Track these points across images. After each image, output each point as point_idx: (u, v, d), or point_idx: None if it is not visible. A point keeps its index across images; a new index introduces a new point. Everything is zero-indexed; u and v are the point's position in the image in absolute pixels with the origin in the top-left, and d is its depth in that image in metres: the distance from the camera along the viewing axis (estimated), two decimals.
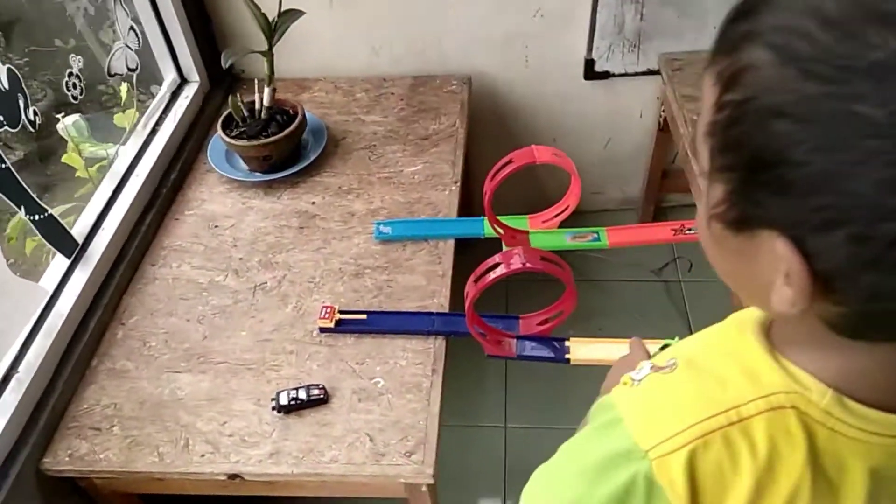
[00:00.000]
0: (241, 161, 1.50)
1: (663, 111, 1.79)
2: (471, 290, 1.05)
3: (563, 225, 1.34)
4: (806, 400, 0.46)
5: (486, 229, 1.34)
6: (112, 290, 1.25)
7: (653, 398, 0.52)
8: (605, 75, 1.80)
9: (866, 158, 0.35)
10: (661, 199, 2.11)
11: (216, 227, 1.40)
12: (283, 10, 1.36)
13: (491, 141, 1.92)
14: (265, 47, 1.39)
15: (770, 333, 0.50)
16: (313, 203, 1.43)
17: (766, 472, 0.46)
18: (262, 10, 1.34)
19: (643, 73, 1.80)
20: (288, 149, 1.46)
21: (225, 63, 1.31)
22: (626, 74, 1.80)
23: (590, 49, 1.74)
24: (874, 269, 0.37)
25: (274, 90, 1.44)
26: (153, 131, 1.51)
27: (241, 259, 1.33)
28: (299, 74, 1.75)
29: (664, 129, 1.86)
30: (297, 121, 1.44)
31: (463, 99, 1.67)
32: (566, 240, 1.32)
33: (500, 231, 1.30)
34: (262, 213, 1.42)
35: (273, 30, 1.36)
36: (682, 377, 0.51)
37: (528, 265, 0.99)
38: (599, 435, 0.52)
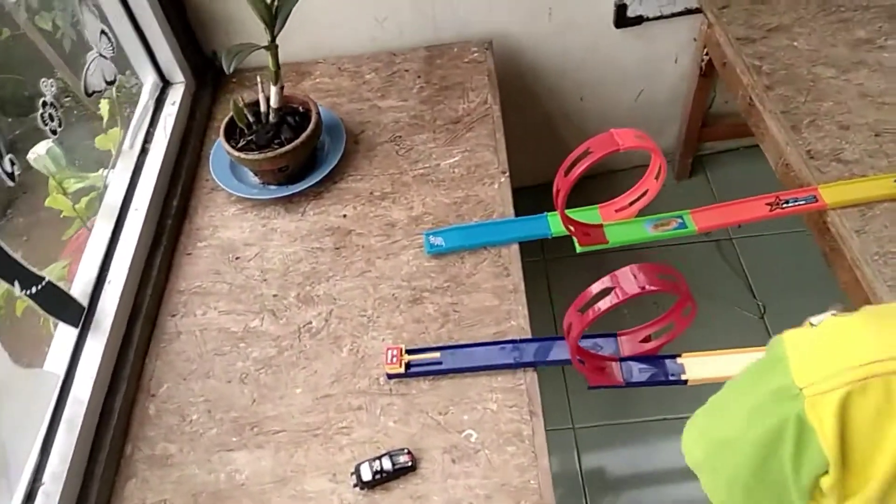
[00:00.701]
0: (250, 174, 1.29)
1: (707, 54, 1.60)
2: (575, 321, 0.88)
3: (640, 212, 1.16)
4: None
5: (554, 227, 1.16)
6: (132, 356, 1.05)
7: (822, 337, 0.49)
8: (639, 20, 1.59)
9: None
10: (698, 147, 1.94)
11: (237, 258, 1.20)
12: None
13: (515, 110, 1.72)
14: (264, 37, 1.16)
15: None
16: (344, 216, 1.24)
17: None
18: None
19: (680, 14, 1.60)
20: (305, 155, 1.25)
21: (228, 67, 1.08)
22: (661, 17, 1.60)
23: None
24: None
25: (282, 88, 1.22)
26: (143, 150, 1.29)
27: (275, 296, 1.14)
28: (294, 57, 1.51)
29: (706, 74, 1.67)
30: (312, 121, 1.23)
31: (489, 68, 1.46)
32: (647, 230, 1.14)
33: (571, 228, 1.12)
34: (288, 235, 1.22)
35: (274, 15, 1.14)
36: (862, 320, 0.48)
37: (647, 288, 0.82)
38: (761, 372, 0.52)
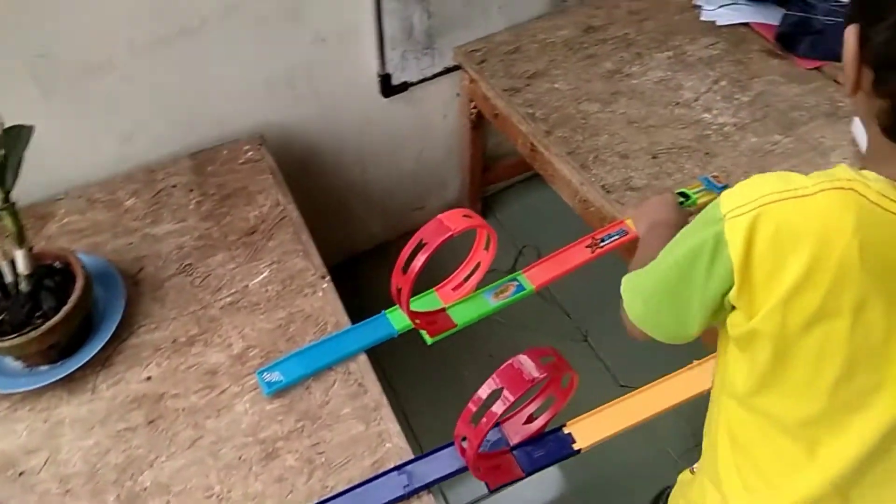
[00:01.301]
0: (8, 360, 1.02)
1: (474, 107, 1.63)
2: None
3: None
4: (865, 185, 0.55)
5: (397, 324, 1.06)
6: None
7: (745, 184, 0.60)
8: (405, 87, 1.58)
9: None
10: (482, 192, 1.98)
11: (22, 473, 0.93)
12: (6, 131, 0.90)
13: (298, 196, 1.61)
14: None
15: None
16: (149, 378, 1.03)
17: (821, 241, 0.54)
18: None
19: (441, 73, 1.61)
20: (78, 322, 1.02)
21: None
22: (424, 80, 1.60)
23: (383, 63, 1.50)
24: None
25: (31, 249, 0.98)
26: None
27: None
28: (26, 199, 1.25)
29: (477, 126, 1.70)
30: (79, 279, 1.01)
31: (270, 165, 1.33)
32: (490, 302, 1.10)
33: (418, 321, 1.04)
34: (82, 423, 0.98)
35: (2, 167, 0.91)
36: (773, 174, 0.59)
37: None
38: (703, 212, 0.63)
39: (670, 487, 0.97)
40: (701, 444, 0.81)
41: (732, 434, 0.72)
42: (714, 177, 1.16)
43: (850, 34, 0.56)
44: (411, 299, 1.07)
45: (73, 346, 1.03)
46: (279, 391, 1.00)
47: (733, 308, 0.63)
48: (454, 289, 1.11)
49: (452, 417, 1.32)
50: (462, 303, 1.09)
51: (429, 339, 1.05)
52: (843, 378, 0.60)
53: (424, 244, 0.92)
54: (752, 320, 0.60)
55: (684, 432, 1.53)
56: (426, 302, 1.09)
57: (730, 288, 0.60)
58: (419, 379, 1.68)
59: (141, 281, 1.15)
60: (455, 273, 1.11)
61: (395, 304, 1.03)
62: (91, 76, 1.20)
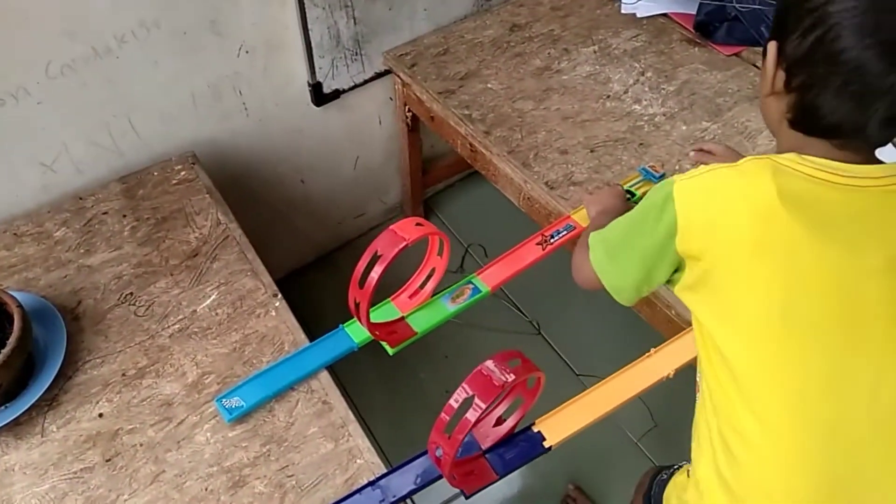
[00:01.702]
0: None
1: (409, 111, 1.63)
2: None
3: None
4: (776, 158, 0.70)
5: (356, 337, 1.05)
6: None
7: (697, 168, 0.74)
8: (336, 94, 1.56)
9: None
10: (423, 194, 1.98)
11: None
12: None
13: (237, 213, 1.57)
14: None
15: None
16: (101, 415, 0.98)
17: (747, 188, 0.68)
18: None
19: (372, 79, 1.60)
20: (20, 363, 0.97)
21: None
22: (356, 86, 1.58)
23: (312, 72, 1.48)
24: (806, 66, 0.67)
25: None
26: None
27: None
28: None
29: (413, 129, 1.70)
30: (17, 319, 0.95)
31: (206, 184, 1.29)
32: (447, 306, 1.10)
33: (377, 333, 1.04)
34: (34, 468, 0.93)
35: None
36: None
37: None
38: (654, 188, 0.78)
39: (663, 471, 0.99)
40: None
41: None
42: (651, 167, 1.20)
43: (771, 47, 0.70)
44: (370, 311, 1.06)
45: (17, 389, 0.98)
46: (241, 417, 0.97)
47: (677, 270, 0.77)
48: (410, 296, 1.11)
49: (413, 421, 1.32)
50: (420, 310, 1.09)
51: (391, 350, 1.05)
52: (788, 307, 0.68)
53: (380, 256, 0.91)
54: (699, 262, 0.71)
55: (643, 414, 1.58)
56: (383, 312, 1.09)
57: (671, 237, 0.72)
58: (376, 384, 1.67)
59: (81, 315, 1.10)
60: (410, 280, 1.11)
61: (349, 316, 1.02)
62: (5, 104, 1.14)
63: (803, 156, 0.69)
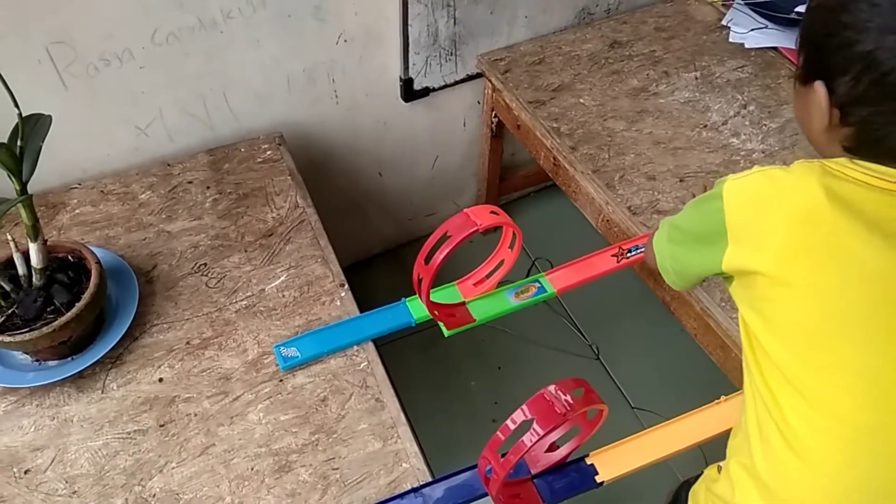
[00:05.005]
0: (16, 354, 0.99)
1: (496, 117, 1.61)
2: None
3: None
4: (828, 162, 0.69)
5: (416, 313, 1.05)
6: None
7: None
8: (426, 92, 1.55)
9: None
10: (496, 201, 1.96)
11: (27, 471, 0.90)
12: (24, 120, 0.87)
13: (312, 197, 1.58)
14: (8, 186, 0.90)
15: None
16: (160, 380, 1.00)
17: (795, 189, 0.68)
18: None
19: (463, 81, 1.59)
20: (92, 319, 0.99)
21: None
22: (446, 86, 1.57)
23: (406, 68, 1.47)
24: (866, 104, 0.67)
25: (45, 242, 0.96)
26: None
27: None
28: (38, 186, 1.22)
29: (497, 135, 1.68)
30: (94, 275, 0.98)
31: (289, 166, 1.30)
32: (510, 300, 1.08)
33: (436, 313, 1.03)
34: (90, 423, 0.95)
35: (20, 157, 0.88)
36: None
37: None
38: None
39: (689, 481, 0.96)
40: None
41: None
42: None
43: (820, 86, 0.70)
44: (431, 290, 1.05)
45: (84, 343, 1.01)
46: (294, 366, 0.98)
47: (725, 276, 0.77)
48: (475, 284, 1.09)
49: (457, 427, 1.30)
50: (482, 298, 1.08)
51: (446, 332, 1.04)
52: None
53: (449, 237, 0.90)
54: (745, 260, 0.71)
55: (697, 458, 1.51)
56: (446, 294, 1.08)
57: (717, 235, 0.73)
58: (424, 385, 1.66)
59: (154, 279, 1.12)
60: (478, 269, 1.10)
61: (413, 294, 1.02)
62: (110, 65, 1.17)
63: (854, 160, 0.69)
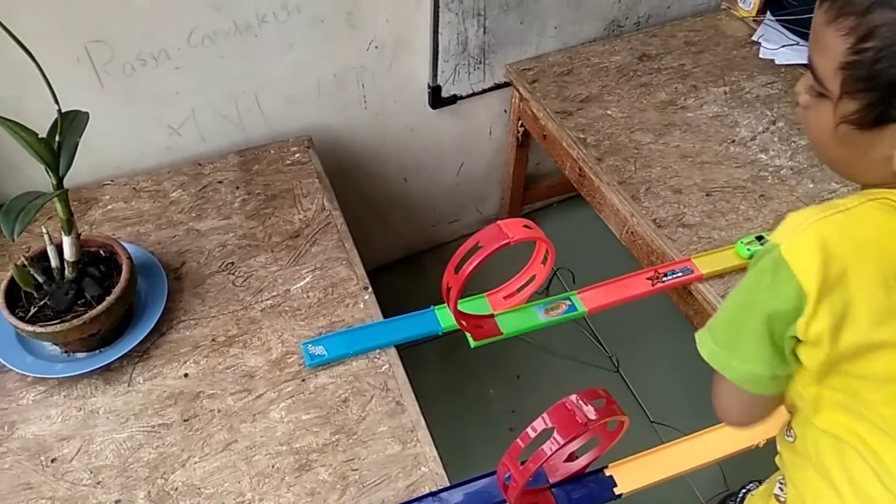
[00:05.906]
0: (46, 344, 1.02)
1: (522, 126, 1.62)
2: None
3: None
4: (886, 194, 0.65)
5: (444, 322, 1.06)
6: None
7: (784, 221, 0.66)
8: (453, 100, 1.57)
9: None
10: (520, 210, 1.97)
11: (54, 460, 0.92)
12: (63, 116, 0.89)
13: (341, 200, 1.60)
14: (44, 180, 0.92)
15: None
16: (186, 375, 1.02)
17: (878, 241, 0.63)
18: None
19: (491, 89, 1.60)
20: (121, 312, 1.01)
21: (12, 233, 0.82)
22: (473, 94, 1.59)
23: (434, 75, 1.49)
24: None
25: (78, 236, 0.98)
26: None
27: (118, 503, 0.88)
28: (72, 182, 1.24)
29: (523, 145, 1.69)
30: (125, 270, 1.00)
31: (317, 169, 1.32)
32: (539, 316, 1.08)
33: (464, 323, 1.03)
34: (116, 415, 0.97)
35: (57, 152, 0.90)
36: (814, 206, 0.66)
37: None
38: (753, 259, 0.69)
39: (733, 495, 0.95)
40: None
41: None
42: None
43: (893, 132, 0.62)
44: (460, 300, 1.06)
45: (113, 336, 1.02)
46: (320, 365, 0.99)
47: (798, 342, 0.67)
48: (506, 297, 1.10)
49: (474, 434, 1.30)
50: (511, 312, 1.09)
51: (472, 343, 1.04)
52: None
53: (480, 247, 0.90)
54: (826, 327, 0.63)
55: (716, 476, 1.50)
56: (475, 305, 1.09)
57: (794, 308, 0.64)
58: (443, 391, 1.66)
59: (183, 276, 1.14)
60: (509, 282, 1.10)
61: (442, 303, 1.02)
62: (146, 65, 1.20)
63: None
